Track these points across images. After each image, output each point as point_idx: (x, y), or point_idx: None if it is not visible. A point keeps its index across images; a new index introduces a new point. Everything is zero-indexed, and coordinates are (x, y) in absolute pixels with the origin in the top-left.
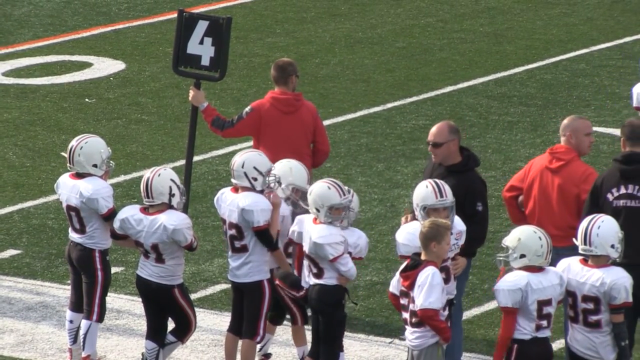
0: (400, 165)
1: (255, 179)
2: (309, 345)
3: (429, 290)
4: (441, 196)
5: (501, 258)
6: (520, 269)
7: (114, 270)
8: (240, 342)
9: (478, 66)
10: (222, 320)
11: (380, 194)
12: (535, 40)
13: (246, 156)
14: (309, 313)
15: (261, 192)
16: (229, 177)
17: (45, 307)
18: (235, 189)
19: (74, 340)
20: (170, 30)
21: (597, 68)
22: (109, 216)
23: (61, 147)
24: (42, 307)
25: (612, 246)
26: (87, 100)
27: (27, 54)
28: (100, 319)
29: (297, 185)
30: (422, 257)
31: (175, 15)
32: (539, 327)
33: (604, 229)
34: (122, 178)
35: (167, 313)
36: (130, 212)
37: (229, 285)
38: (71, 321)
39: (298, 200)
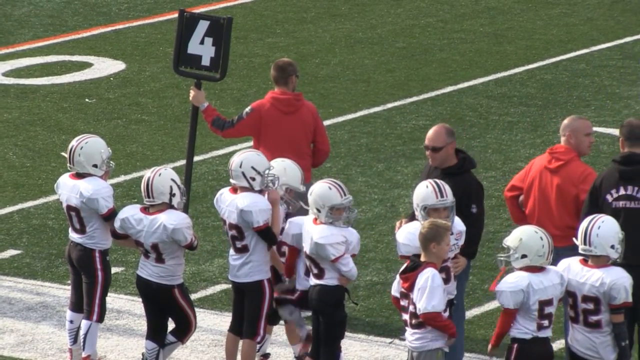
0: (400, 166)
1: (254, 179)
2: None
3: (430, 293)
4: (442, 196)
5: (502, 258)
6: (521, 269)
7: (114, 270)
8: (240, 342)
9: (478, 66)
10: (222, 321)
11: (380, 194)
12: (535, 41)
13: (244, 156)
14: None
15: (260, 191)
16: (229, 177)
17: (46, 307)
18: (234, 189)
19: (74, 340)
20: (171, 31)
21: (597, 68)
22: (109, 216)
23: (61, 147)
24: (42, 307)
25: (612, 247)
26: (87, 100)
27: (27, 54)
28: (101, 319)
29: (290, 185)
30: (422, 258)
31: (175, 15)
32: (540, 327)
33: (603, 230)
34: (122, 178)
35: (167, 313)
36: (130, 212)
37: (229, 286)
38: (71, 321)
39: (291, 200)
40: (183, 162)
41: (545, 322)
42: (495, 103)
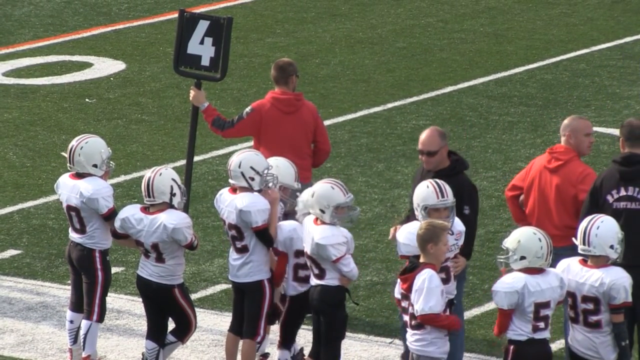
0: (400, 166)
1: (253, 179)
2: (298, 343)
3: (428, 294)
4: (442, 196)
5: (501, 260)
6: (520, 270)
7: (114, 270)
8: (240, 342)
9: (478, 66)
10: (222, 320)
11: (380, 194)
12: (535, 41)
13: (243, 156)
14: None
15: (259, 191)
16: (228, 177)
17: (46, 307)
18: (233, 190)
19: (74, 340)
20: (171, 30)
21: (598, 68)
22: (109, 216)
23: (61, 147)
24: (42, 307)
25: (611, 247)
26: (87, 100)
27: (27, 54)
28: (101, 319)
29: (284, 183)
30: (421, 259)
31: (175, 15)
32: (535, 329)
33: (603, 230)
34: (122, 178)
35: (168, 313)
36: (130, 212)
37: (229, 286)
38: (71, 321)
39: (288, 198)
40: (183, 162)
41: (541, 324)
42: (495, 103)
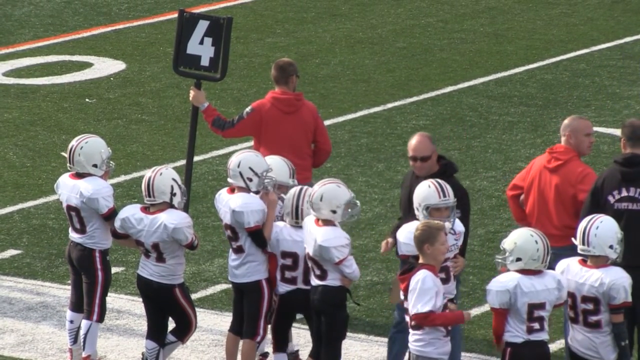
0: (400, 165)
1: (250, 180)
2: (298, 343)
3: (420, 295)
4: (444, 195)
5: (499, 260)
6: (516, 271)
7: (114, 270)
8: (240, 342)
9: (478, 66)
10: (222, 320)
11: (380, 194)
12: (535, 41)
13: (242, 156)
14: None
15: (257, 192)
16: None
17: (46, 307)
18: (231, 189)
19: (74, 340)
20: (171, 30)
21: (598, 68)
22: (109, 216)
23: (61, 147)
24: (42, 307)
25: (611, 247)
26: (87, 100)
27: (27, 54)
28: (101, 319)
29: (279, 181)
30: (420, 260)
31: (175, 15)
32: (530, 330)
33: (602, 230)
34: (122, 178)
35: (168, 313)
36: (131, 212)
37: (229, 285)
38: (71, 321)
39: (282, 195)
40: (183, 162)
41: (536, 325)
42: (495, 103)
